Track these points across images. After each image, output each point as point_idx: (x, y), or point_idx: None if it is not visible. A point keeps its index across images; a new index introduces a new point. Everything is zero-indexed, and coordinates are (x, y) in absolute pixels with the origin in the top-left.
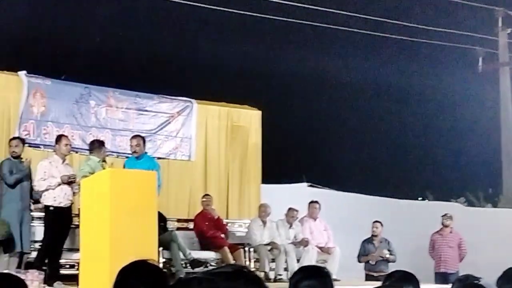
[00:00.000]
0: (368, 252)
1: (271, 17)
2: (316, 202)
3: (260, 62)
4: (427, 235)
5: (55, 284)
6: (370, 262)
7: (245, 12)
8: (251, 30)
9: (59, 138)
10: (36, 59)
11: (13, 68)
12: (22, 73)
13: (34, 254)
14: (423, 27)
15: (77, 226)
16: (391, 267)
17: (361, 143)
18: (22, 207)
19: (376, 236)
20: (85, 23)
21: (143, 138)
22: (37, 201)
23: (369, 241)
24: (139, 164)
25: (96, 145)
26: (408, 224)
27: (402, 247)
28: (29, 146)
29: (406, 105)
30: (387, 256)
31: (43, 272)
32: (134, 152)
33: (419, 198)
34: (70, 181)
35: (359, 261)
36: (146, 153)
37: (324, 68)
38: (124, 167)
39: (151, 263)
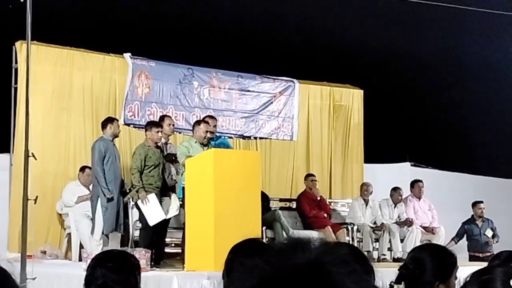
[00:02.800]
0: (471, 233)
1: None
2: (420, 181)
3: (361, 41)
4: None
5: (162, 262)
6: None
7: None
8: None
9: (162, 118)
10: (140, 41)
11: (119, 50)
12: (127, 55)
13: (137, 233)
14: None
15: (181, 205)
16: (497, 248)
17: (464, 121)
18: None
19: (479, 216)
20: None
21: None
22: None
23: (471, 221)
24: (216, 145)
25: (194, 126)
26: None
27: (507, 227)
28: (134, 127)
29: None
30: (489, 237)
31: (149, 251)
32: (211, 132)
33: None
34: (173, 161)
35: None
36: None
37: (426, 47)
38: None
39: (262, 241)
